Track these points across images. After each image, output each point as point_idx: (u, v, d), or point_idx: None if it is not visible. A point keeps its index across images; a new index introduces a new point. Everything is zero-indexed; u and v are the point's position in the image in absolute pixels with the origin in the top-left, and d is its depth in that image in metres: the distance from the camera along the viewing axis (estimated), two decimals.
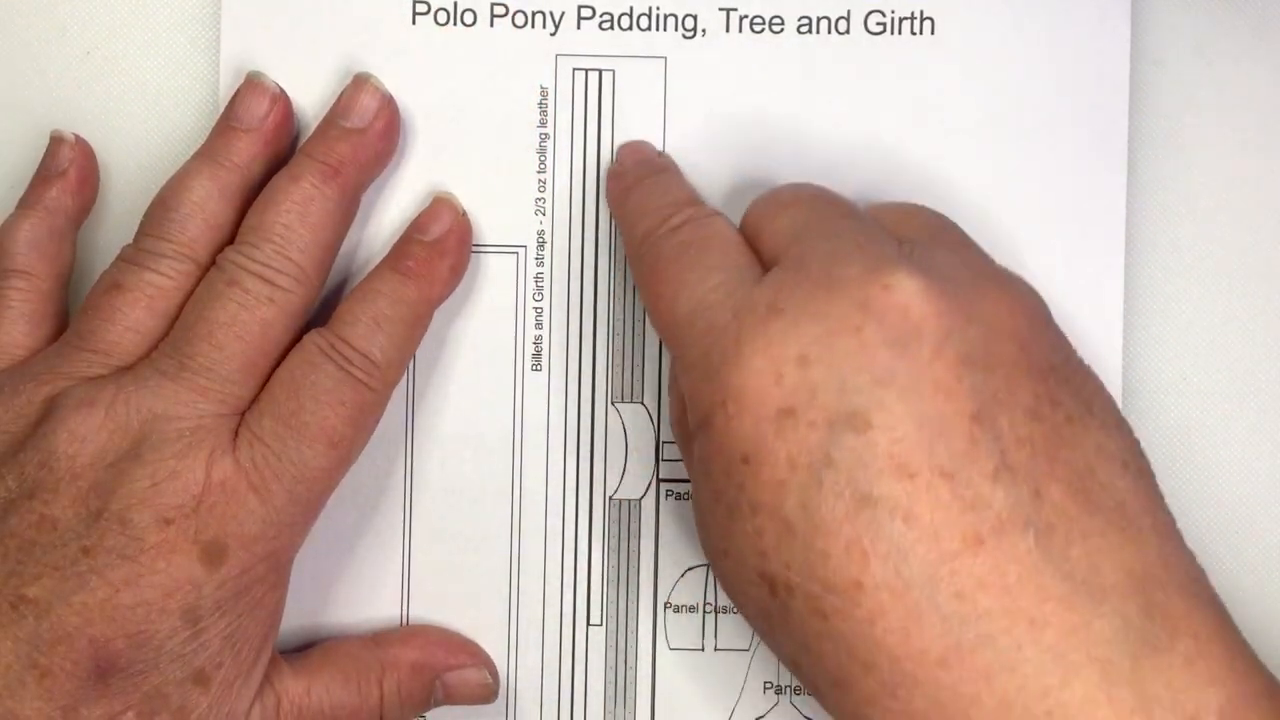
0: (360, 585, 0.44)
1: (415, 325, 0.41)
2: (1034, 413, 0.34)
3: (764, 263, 0.38)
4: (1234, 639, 0.34)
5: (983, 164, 0.44)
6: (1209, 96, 0.44)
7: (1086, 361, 0.37)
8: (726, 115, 0.44)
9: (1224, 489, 0.44)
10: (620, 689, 0.44)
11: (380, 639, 0.42)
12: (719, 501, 0.36)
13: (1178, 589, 0.34)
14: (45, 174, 0.42)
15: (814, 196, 0.40)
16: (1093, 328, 0.43)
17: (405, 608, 0.44)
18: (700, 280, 0.37)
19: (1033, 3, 0.44)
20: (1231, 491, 0.44)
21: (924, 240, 0.38)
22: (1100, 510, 0.34)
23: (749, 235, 0.39)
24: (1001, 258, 0.43)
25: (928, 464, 0.33)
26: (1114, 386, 0.43)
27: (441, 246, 0.42)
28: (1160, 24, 0.44)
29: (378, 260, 0.43)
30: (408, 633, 0.43)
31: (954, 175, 0.44)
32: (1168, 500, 0.44)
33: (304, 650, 0.42)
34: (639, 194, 0.42)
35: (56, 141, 0.43)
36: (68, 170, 0.42)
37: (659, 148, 0.44)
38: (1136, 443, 0.36)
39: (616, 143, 0.44)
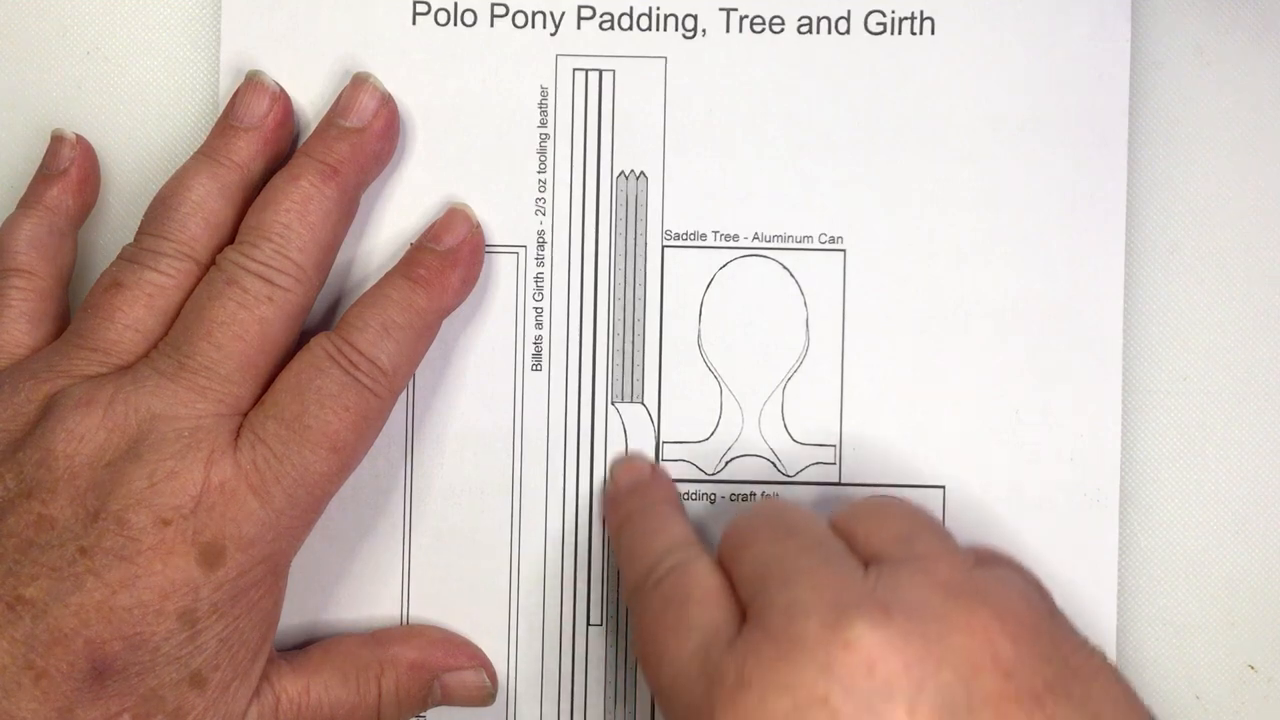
0: (360, 584, 0.44)
1: (424, 333, 0.41)
2: None
3: (740, 608, 0.36)
4: None
5: (983, 164, 0.44)
6: (1209, 97, 0.44)
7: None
8: (726, 115, 0.44)
9: (1224, 489, 0.44)
10: (620, 689, 0.44)
11: (380, 637, 0.42)
12: None
13: None
14: (46, 173, 0.43)
15: (772, 527, 0.38)
16: (1093, 328, 0.43)
17: (405, 607, 0.44)
18: (679, 645, 0.36)
19: (1033, 3, 0.44)
20: (1231, 491, 0.44)
21: (891, 555, 0.36)
22: None
23: (725, 570, 0.38)
24: (1001, 258, 0.43)
25: None
26: (1114, 386, 0.43)
27: (454, 257, 0.42)
28: (1160, 25, 0.44)
29: (380, 263, 0.43)
30: (407, 632, 0.43)
31: (954, 175, 0.44)
32: (1166, 500, 0.44)
33: (303, 648, 0.42)
34: (629, 535, 0.41)
35: (57, 140, 0.43)
36: (69, 169, 0.42)
37: (654, 464, 0.44)
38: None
39: (617, 143, 0.44)
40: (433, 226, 0.43)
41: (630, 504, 0.42)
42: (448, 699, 0.42)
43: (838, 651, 0.33)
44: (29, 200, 0.42)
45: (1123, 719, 0.33)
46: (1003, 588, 0.35)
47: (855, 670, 0.32)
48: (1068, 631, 0.35)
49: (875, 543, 0.37)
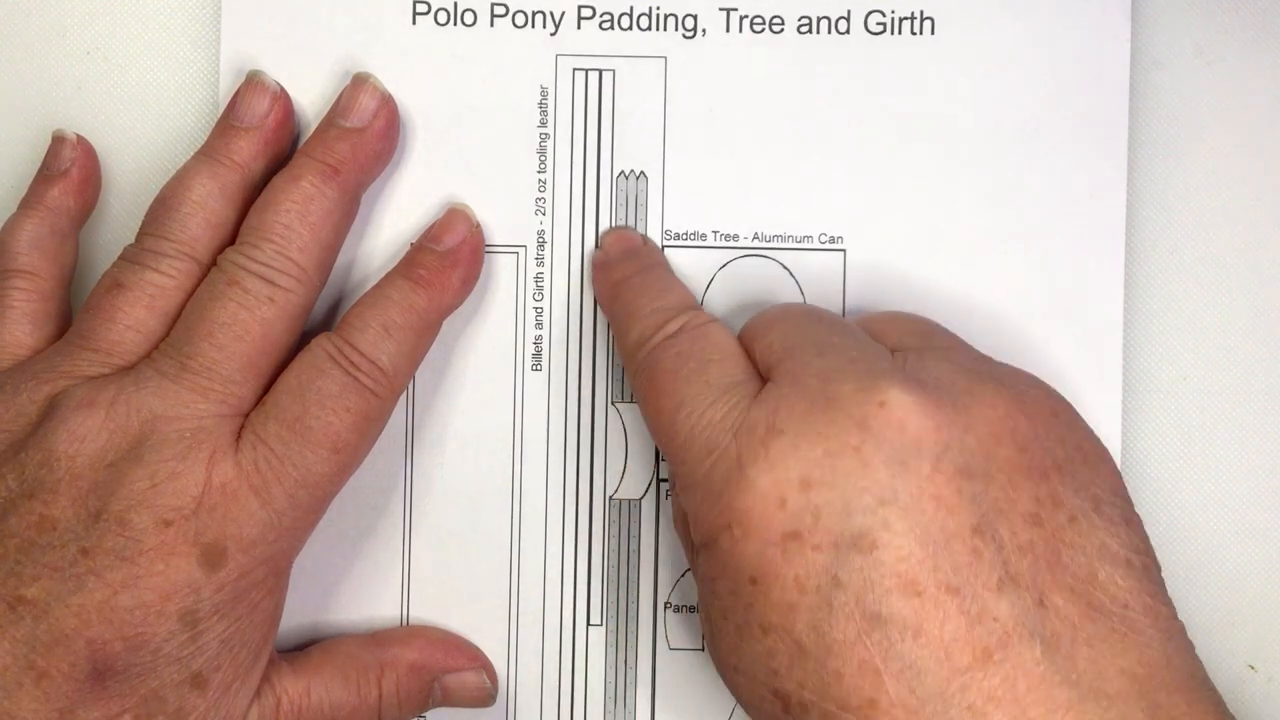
0: (360, 585, 0.44)
1: (424, 334, 0.41)
2: (1034, 518, 0.34)
3: (760, 374, 0.38)
4: None
5: (982, 164, 0.44)
6: (1209, 97, 0.44)
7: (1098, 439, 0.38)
8: (726, 115, 0.44)
9: (1224, 489, 0.44)
10: (620, 689, 0.44)
11: (380, 638, 0.42)
12: (727, 619, 0.36)
13: (1179, 688, 0.34)
14: (47, 174, 0.42)
15: (804, 312, 0.40)
16: (1093, 328, 0.43)
17: (405, 607, 0.44)
18: (698, 396, 0.37)
19: (1033, 3, 0.44)
20: (1231, 491, 0.44)
21: (914, 346, 0.38)
22: (1102, 614, 0.34)
23: (746, 343, 0.39)
24: (1001, 257, 0.43)
25: (933, 580, 0.33)
26: (1114, 387, 0.43)
27: (454, 257, 0.42)
28: (1160, 25, 0.44)
29: (381, 263, 0.43)
30: (408, 633, 0.43)
31: (953, 176, 0.44)
32: (1166, 500, 0.44)
33: (304, 649, 0.42)
34: (629, 293, 0.42)
35: (58, 141, 0.43)
36: (70, 170, 0.42)
37: (644, 235, 0.44)
38: (1144, 537, 0.36)
39: (617, 143, 0.44)
40: (432, 227, 0.43)
41: (626, 267, 0.43)
42: (448, 700, 0.42)
43: (872, 409, 0.35)
44: (30, 201, 0.42)
45: (1117, 505, 0.36)
46: (1021, 375, 0.38)
47: (888, 426, 0.34)
48: (1079, 420, 0.37)
49: (894, 338, 0.39)
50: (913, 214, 0.44)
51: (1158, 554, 0.36)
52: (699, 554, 0.37)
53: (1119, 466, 0.43)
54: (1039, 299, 0.43)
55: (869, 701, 0.33)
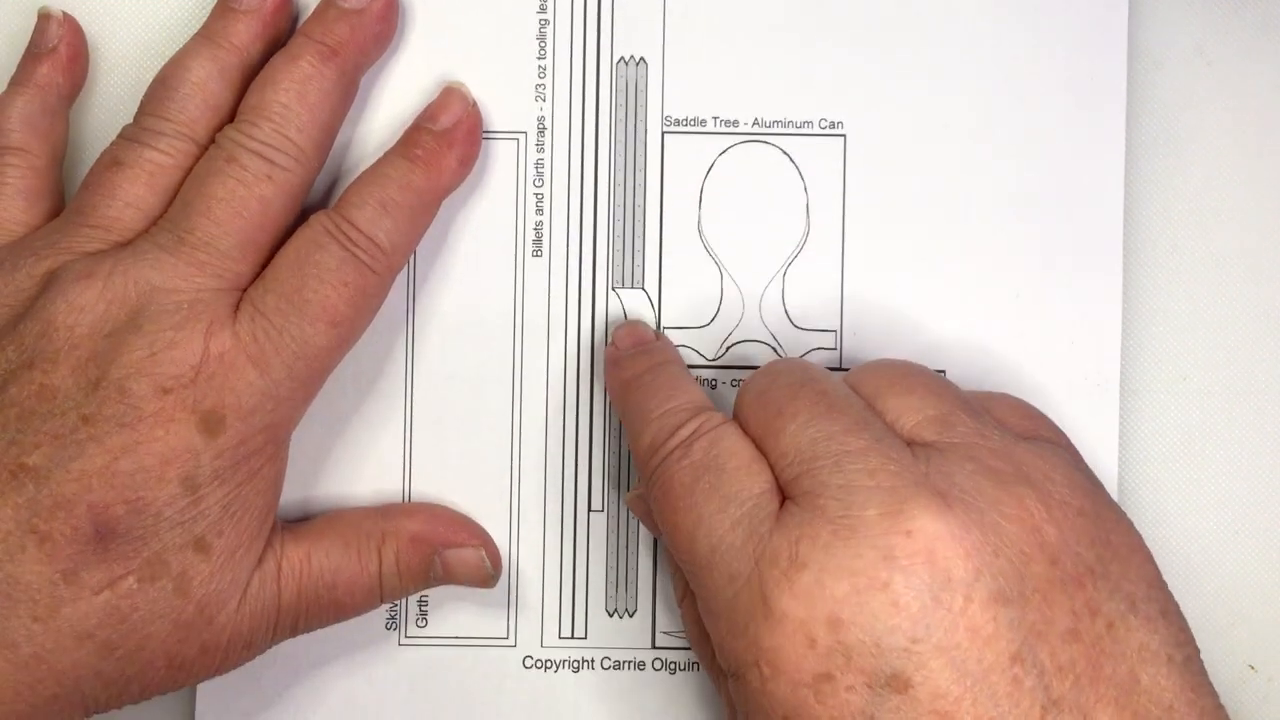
0: (362, 469, 0.44)
1: (422, 213, 0.41)
2: (1073, 633, 0.33)
3: (775, 479, 0.37)
4: None
5: (980, 164, 0.44)
6: (1209, 96, 0.44)
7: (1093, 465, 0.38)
8: (729, 2, 0.44)
9: (1224, 489, 0.44)
10: (622, 575, 0.44)
11: (383, 510, 0.42)
12: None
13: None
14: (35, 51, 0.43)
15: (811, 401, 0.37)
16: (1091, 328, 0.44)
17: (407, 492, 0.44)
18: (717, 515, 0.36)
19: (1031, 3, 0.43)
20: (1231, 491, 0.44)
21: (932, 439, 0.37)
22: None
23: (754, 437, 0.38)
24: (1000, 258, 0.44)
25: (973, 716, 0.32)
26: (1113, 387, 0.43)
27: (450, 137, 0.42)
28: (1159, 24, 0.44)
29: (379, 145, 0.43)
30: (412, 506, 0.43)
31: (952, 175, 0.44)
32: (1166, 500, 0.44)
33: (309, 519, 0.42)
34: (639, 393, 0.41)
35: (44, 19, 0.43)
36: (57, 47, 0.42)
37: (657, 330, 0.44)
38: (1181, 626, 0.35)
39: (616, 28, 0.44)
40: (429, 106, 0.43)
41: (636, 365, 0.42)
42: (449, 576, 0.42)
43: (899, 539, 0.33)
44: (19, 79, 0.42)
45: (1154, 599, 0.35)
46: (1045, 465, 0.36)
47: (916, 558, 0.33)
48: (1107, 508, 0.36)
49: (909, 422, 0.37)
50: (913, 99, 0.44)
51: (1157, 555, 0.36)
52: (728, 681, 0.36)
53: (1117, 468, 0.44)
54: (1040, 183, 0.43)
55: None
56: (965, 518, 0.34)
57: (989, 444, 0.36)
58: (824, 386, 0.38)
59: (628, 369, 0.42)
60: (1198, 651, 0.35)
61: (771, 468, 0.37)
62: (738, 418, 0.39)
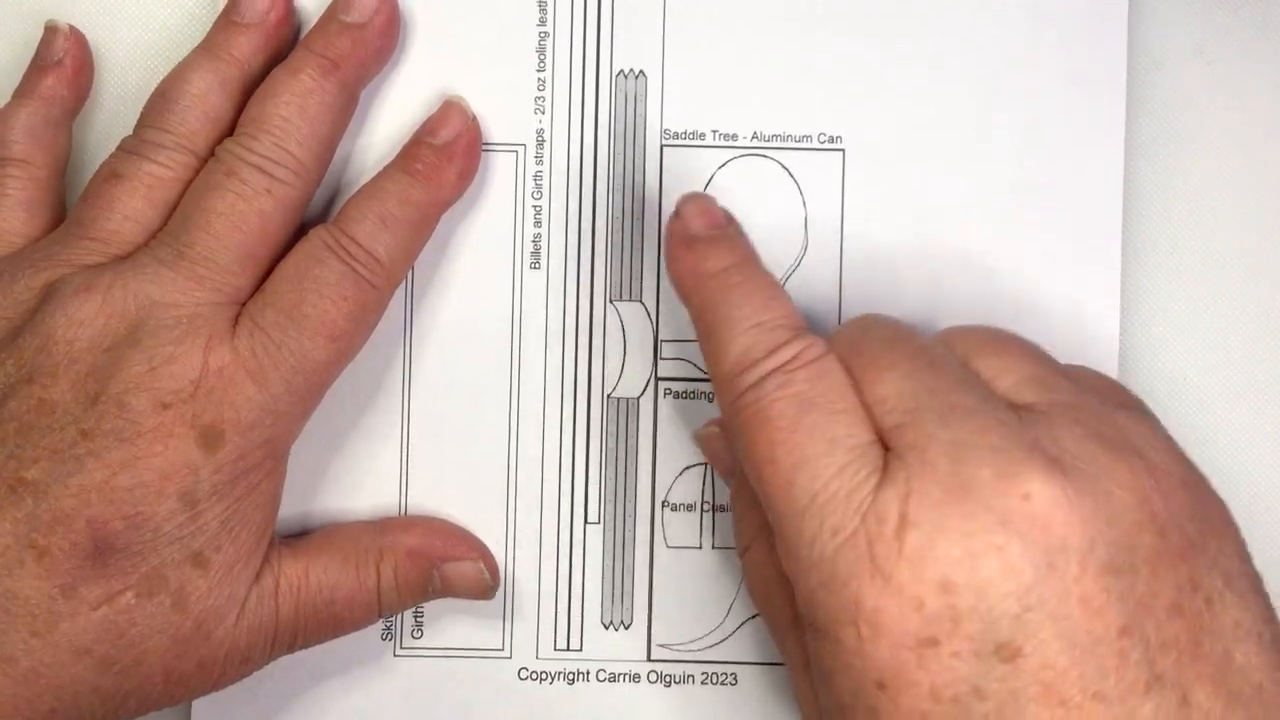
0: (359, 480, 0.44)
1: (421, 227, 0.41)
2: (1176, 608, 0.33)
3: (875, 429, 0.35)
4: None
5: (980, 174, 0.44)
6: (1208, 96, 0.44)
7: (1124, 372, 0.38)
8: (726, 14, 0.44)
9: (1223, 489, 0.44)
10: (618, 587, 0.44)
11: (381, 525, 0.42)
12: (845, 714, 0.34)
13: None
14: (40, 64, 0.43)
15: (912, 354, 0.36)
16: (1090, 329, 0.44)
17: (403, 504, 0.44)
18: (823, 456, 0.34)
19: (1030, 4, 0.44)
20: (1231, 491, 0.44)
21: (1034, 401, 0.36)
22: (1240, 701, 0.33)
23: (854, 381, 0.36)
24: (1000, 271, 0.44)
25: (1079, 687, 0.32)
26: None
27: (450, 151, 0.42)
28: (1159, 24, 0.44)
29: (378, 159, 0.43)
30: (409, 521, 0.43)
31: (950, 188, 0.44)
32: None
33: (305, 534, 0.43)
34: (729, 295, 0.37)
35: (51, 31, 0.43)
36: (63, 60, 0.42)
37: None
38: (1267, 603, 0.35)
39: (616, 41, 0.44)
40: (429, 121, 0.43)
41: (720, 256, 0.38)
42: (447, 590, 0.42)
43: (1015, 502, 0.33)
44: (24, 91, 0.42)
45: (1246, 576, 0.34)
46: (1147, 434, 0.35)
47: (1033, 524, 0.32)
48: (1203, 484, 0.36)
49: (1008, 384, 0.36)
50: (911, 114, 0.44)
51: None
52: (807, 633, 0.35)
53: (1116, 354, 0.44)
54: (1038, 196, 0.44)
55: None
56: (1080, 484, 0.33)
57: (1091, 409, 0.35)
58: (920, 342, 0.37)
59: (712, 259, 0.38)
60: None
61: (871, 417, 0.35)
62: (840, 361, 0.37)
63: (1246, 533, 0.43)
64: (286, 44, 0.43)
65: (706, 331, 0.38)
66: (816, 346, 0.36)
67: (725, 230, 0.39)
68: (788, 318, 0.37)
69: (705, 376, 0.44)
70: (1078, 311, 0.44)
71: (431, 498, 0.44)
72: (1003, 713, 0.32)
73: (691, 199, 0.40)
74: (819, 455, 0.34)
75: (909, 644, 0.32)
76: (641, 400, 0.44)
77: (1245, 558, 0.35)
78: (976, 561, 0.32)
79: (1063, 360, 0.42)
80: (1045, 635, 0.32)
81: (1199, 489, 0.35)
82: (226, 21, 0.42)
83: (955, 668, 0.32)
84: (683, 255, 0.39)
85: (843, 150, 0.44)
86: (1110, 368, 0.44)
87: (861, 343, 0.37)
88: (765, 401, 0.35)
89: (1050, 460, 0.33)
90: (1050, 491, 0.33)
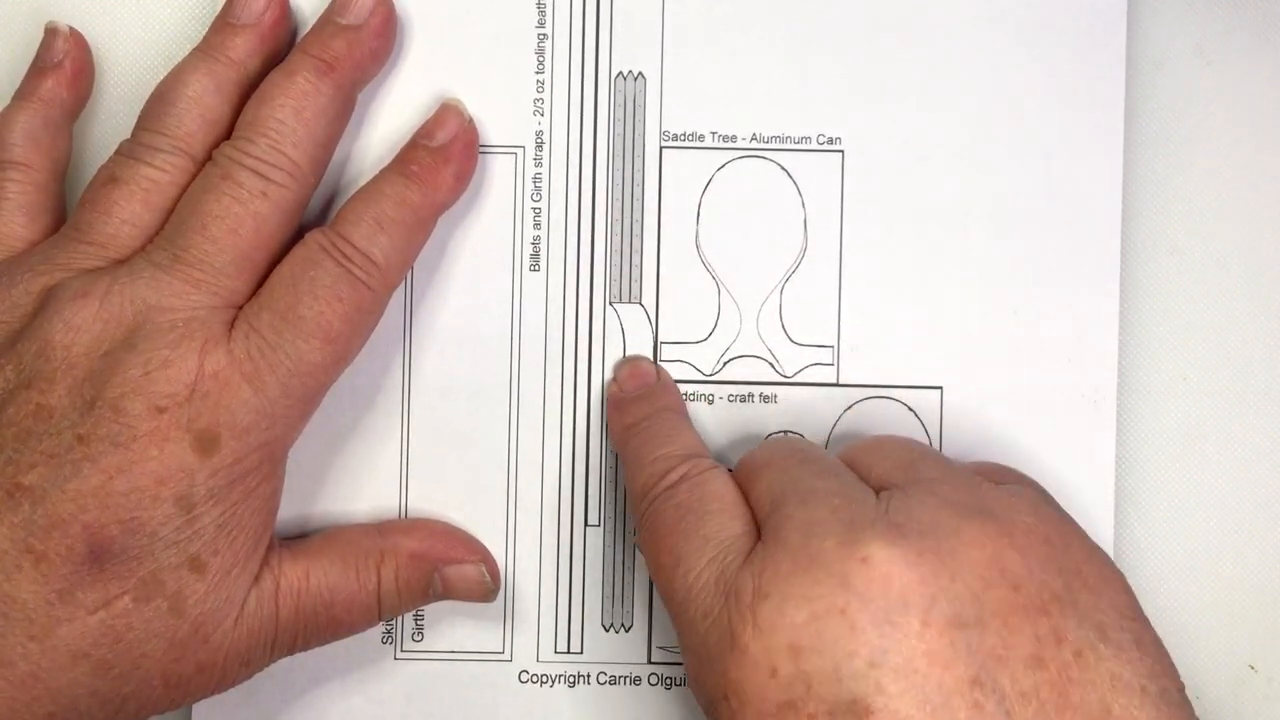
0: (359, 484, 0.44)
1: (418, 229, 0.41)
2: (1036, 659, 0.33)
3: (754, 523, 0.38)
4: None
5: (979, 175, 0.44)
6: (1209, 97, 0.44)
7: (1084, 532, 0.37)
8: (725, 15, 0.44)
9: (1223, 489, 0.44)
10: (618, 589, 0.44)
11: (382, 527, 0.42)
12: None
13: None
14: (40, 66, 0.42)
15: (790, 453, 0.39)
16: (1090, 329, 0.43)
17: (403, 507, 0.44)
18: (695, 553, 0.37)
19: (1029, 5, 0.43)
20: (1231, 491, 0.44)
21: (899, 483, 0.37)
22: None
23: (743, 490, 0.39)
24: (998, 272, 0.44)
25: None
26: (1109, 403, 0.43)
27: (446, 153, 0.42)
28: (1159, 24, 0.44)
29: (376, 161, 0.43)
30: (410, 523, 0.43)
31: (950, 189, 0.44)
32: (1166, 500, 0.44)
33: (306, 537, 0.42)
34: (637, 439, 0.42)
35: (51, 33, 0.43)
36: (63, 62, 0.42)
37: (659, 367, 0.44)
38: (1159, 658, 0.35)
39: (615, 43, 0.44)
40: (426, 123, 0.43)
41: (638, 410, 0.43)
42: (448, 592, 0.42)
43: (855, 566, 0.34)
44: (24, 93, 0.42)
45: (1127, 629, 0.35)
46: (1011, 501, 0.36)
47: (872, 583, 0.34)
48: (1078, 541, 0.36)
49: (880, 472, 0.38)
50: (911, 115, 0.44)
51: (1156, 556, 0.36)
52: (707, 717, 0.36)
53: (1114, 469, 0.43)
54: (1037, 198, 0.43)
55: None
56: (920, 545, 0.34)
57: (952, 482, 0.37)
58: (806, 448, 0.40)
59: (629, 414, 0.43)
60: (1180, 686, 0.35)
61: (752, 513, 0.38)
62: (735, 476, 0.40)
63: (1245, 535, 0.43)
64: (283, 45, 0.43)
65: (625, 473, 0.42)
66: (702, 464, 0.40)
67: (649, 388, 0.43)
68: (683, 448, 0.41)
69: (705, 378, 0.44)
70: (1077, 311, 0.43)
71: (431, 500, 0.44)
72: None
73: (626, 363, 0.44)
74: (692, 552, 0.37)
75: (770, 710, 0.33)
76: None
77: (1128, 613, 0.35)
78: (820, 624, 0.33)
79: (1062, 360, 0.43)
80: (894, 690, 0.32)
81: (1069, 548, 0.36)
82: (223, 23, 0.42)
83: None
84: (613, 415, 0.43)
85: (842, 151, 0.44)
86: (1110, 368, 0.43)
87: (754, 455, 0.40)
88: (654, 515, 0.39)
89: (893, 527, 0.35)
90: (888, 553, 0.34)
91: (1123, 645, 0.34)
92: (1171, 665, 0.35)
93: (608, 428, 0.44)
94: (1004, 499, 0.36)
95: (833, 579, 0.34)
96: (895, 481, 0.37)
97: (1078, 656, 0.33)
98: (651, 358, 0.44)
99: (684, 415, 0.43)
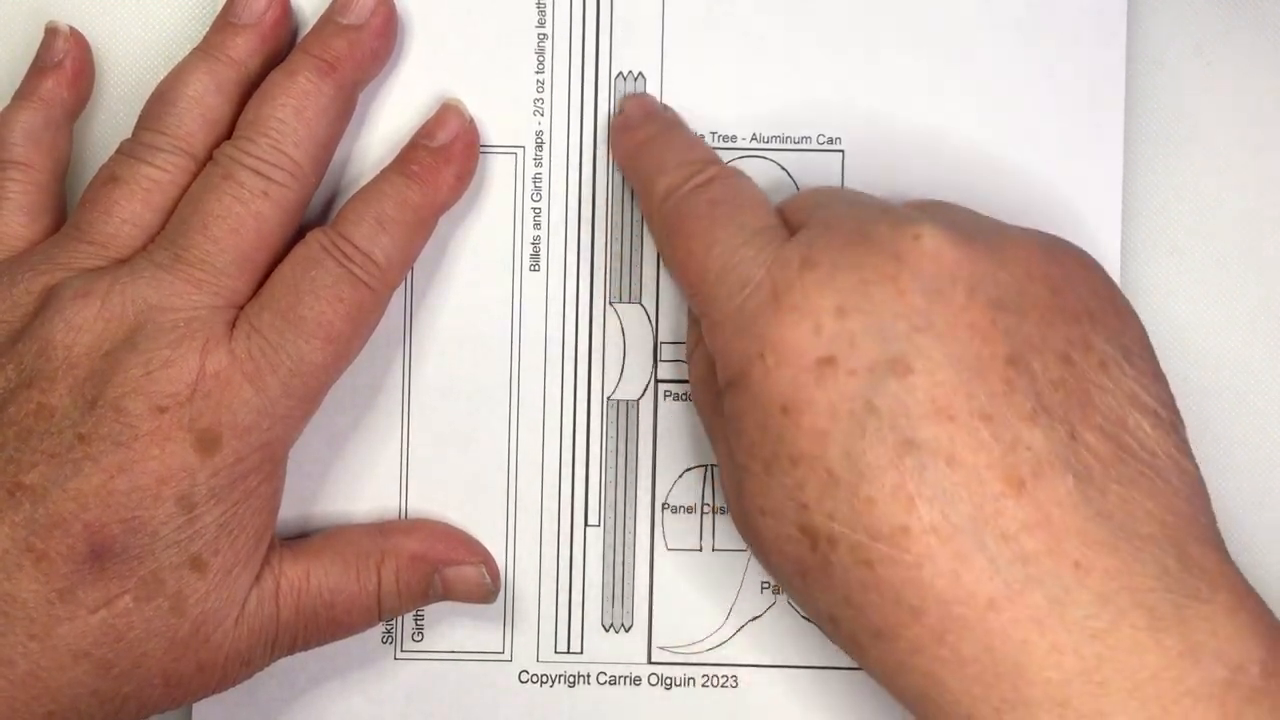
0: (358, 484, 0.44)
1: (418, 229, 0.41)
2: (1066, 357, 0.34)
3: (791, 231, 0.38)
4: (1259, 599, 0.35)
5: (979, 164, 0.44)
6: (1208, 96, 0.44)
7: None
8: (725, 15, 0.44)
9: (1223, 489, 0.44)
10: (618, 590, 0.44)
11: (383, 528, 0.42)
12: (754, 457, 0.36)
13: (1209, 544, 0.34)
14: (41, 65, 0.42)
15: (826, 186, 0.41)
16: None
17: (403, 508, 0.44)
18: (732, 236, 0.38)
19: (1029, 5, 0.43)
20: (1231, 491, 0.44)
21: (944, 207, 0.39)
22: (1132, 458, 0.34)
23: (783, 211, 0.40)
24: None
25: (966, 407, 0.33)
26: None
27: (447, 153, 0.42)
28: (1159, 24, 0.44)
29: (377, 161, 0.43)
30: (410, 524, 0.43)
31: (950, 175, 0.44)
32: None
33: (306, 536, 0.43)
34: (654, 149, 0.42)
35: (51, 33, 0.43)
36: (63, 61, 0.42)
37: (658, 98, 0.44)
38: (1170, 395, 0.36)
39: (615, 43, 0.44)
40: (426, 123, 0.43)
41: (649, 127, 0.42)
42: (448, 593, 0.42)
43: (907, 243, 0.35)
44: (24, 93, 0.42)
45: (1147, 359, 0.36)
46: (1054, 237, 0.38)
47: (923, 257, 0.35)
48: (1110, 280, 0.38)
49: (925, 202, 0.40)
50: (911, 115, 0.44)
51: None
52: (725, 395, 0.37)
53: None
54: (1038, 200, 0.43)
55: (901, 528, 0.33)
56: (970, 238, 0.35)
57: (993, 218, 0.39)
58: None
59: (640, 132, 0.42)
60: (1183, 424, 0.36)
61: (788, 224, 0.38)
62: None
63: (1245, 530, 0.43)
64: (284, 45, 0.43)
65: (639, 186, 0.42)
66: (730, 168, 0.41)
67: (656, 111, 0.43)
68: (707, 154, 0.41)
69: None
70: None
71: (431, 500, 0.44)
72: (896, 426, 0.33)
73: (632, 97, 0.44)
74: (729, 235, 0.38)
75: (809, 365, 0.34)
76: (641, 402, 0.44)
77: (1149, 348, 0.37)
78: (869, 288, 0.35)
79: None
80: (935, 354, 0.34)
81: (1105, 279, 0.37)
82: (224, 22, 0.42)
83: (851, 384, 0.34)
84: (620, 138, 0.43)
85: (842, 151, 0.44)
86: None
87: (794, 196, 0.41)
88: (683, 209, 0.39)
89: (944, 221, 0.36)
90: (940, 234, 0.35)
91: (1143, 371, 0.35)
92: (1176, 405, 0.36)
93: (614, 154, 0.44)
94: (1050, 235, 0.38)
95: (885, 251, 0.35)
96: (941, 205, 0.39)
97: (1102, 366, 0.35)
98: (652, 363, 0.44)
99: (694, 133, 0.44)
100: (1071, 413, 0.34)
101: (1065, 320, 0.35)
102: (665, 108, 0.44)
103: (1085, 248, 0.42)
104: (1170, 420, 0.35)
